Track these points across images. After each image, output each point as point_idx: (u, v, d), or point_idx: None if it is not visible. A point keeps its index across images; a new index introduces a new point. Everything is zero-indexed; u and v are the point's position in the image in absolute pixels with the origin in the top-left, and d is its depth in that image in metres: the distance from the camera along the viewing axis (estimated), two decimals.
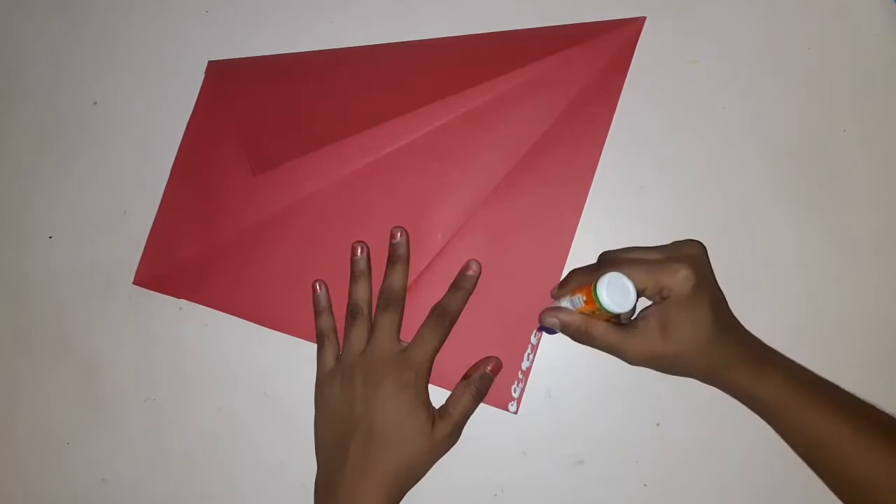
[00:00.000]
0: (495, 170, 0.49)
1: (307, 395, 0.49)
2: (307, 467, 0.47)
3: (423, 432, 0.44)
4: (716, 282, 0.44)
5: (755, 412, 0.44)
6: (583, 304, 0.41)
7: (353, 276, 0.49)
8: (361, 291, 0.48)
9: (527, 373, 0.48)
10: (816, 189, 0.49)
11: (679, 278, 0.40)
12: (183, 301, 0.51)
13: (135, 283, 0.52)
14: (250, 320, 0.51)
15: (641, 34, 0.49)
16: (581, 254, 0.49)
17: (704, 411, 0.48)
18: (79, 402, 0.52)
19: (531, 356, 0.49)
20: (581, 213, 0.49)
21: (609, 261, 0.44)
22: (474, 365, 0.48)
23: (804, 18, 0.49)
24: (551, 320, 0.43)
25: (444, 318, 0.46)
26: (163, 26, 0.54)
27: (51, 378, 0.53)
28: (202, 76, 0.53)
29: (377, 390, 0.44)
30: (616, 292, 0.39)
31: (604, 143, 0.49)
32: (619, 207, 0.49)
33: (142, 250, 0.52)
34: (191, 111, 0.53)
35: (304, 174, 0.50)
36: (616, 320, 0.43)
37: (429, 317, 0.47)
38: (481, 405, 0.47)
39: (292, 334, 0.50)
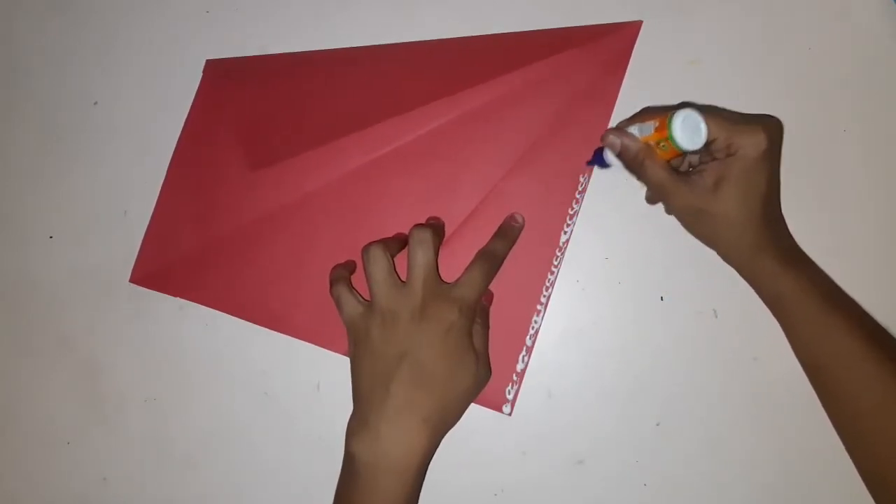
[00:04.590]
0: (492, 172, 0.49)
1: (307, 395, 0.49)
2: (307, 467, 0.47)
3: (469, 370, 0.43)
4: (779, 168, 0.43)
5: (772, 310, 0.44)
6: (653, 131, 0.41)
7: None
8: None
9: (521, 375, 0.48)
10: (816, 189, 0.49)
11: (753, 139, 0.40)
12: (183, 301, 0.51)
13: (131, 280, 0.52)
14: (245, 319, 0.51)
15: (642, 35, 0.49)
16: (579, 256, 0.49)
17: (704, 411, 0.48)
18: (79, 402, 0.52)
19: (525, 358, 0.48)
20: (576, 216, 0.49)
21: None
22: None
23: (804, 18, 0.49)
24: (614, 139, 0.42)
25: (492, 260, 0.45)
26: (163, 26, 0.54)
27: (51, 378, 0.53)
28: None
29: (423, 326, 0.42)
30: (689, 128, 0.40)
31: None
32: (620, 208, 0.49)
33: None
34: None
35: (300, 173, 0.50)
36: (675, 163, 0.43)
37: (476, 259, 0.45)
38: (477, 407, 0.47)
39: (287, 333, 0.50)
